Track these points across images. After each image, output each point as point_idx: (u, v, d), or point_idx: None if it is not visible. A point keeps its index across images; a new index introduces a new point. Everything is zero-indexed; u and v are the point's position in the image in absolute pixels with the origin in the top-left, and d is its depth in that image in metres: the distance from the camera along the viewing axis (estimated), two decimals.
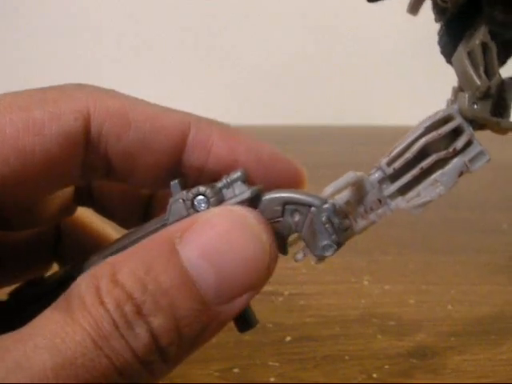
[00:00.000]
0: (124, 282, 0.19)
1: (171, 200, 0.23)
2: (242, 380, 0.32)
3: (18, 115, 0.21)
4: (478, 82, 0.23)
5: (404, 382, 0.32)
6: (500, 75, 0.24)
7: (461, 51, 0.24)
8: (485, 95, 0.23)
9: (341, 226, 0.23)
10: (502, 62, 0.25)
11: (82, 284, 0.20)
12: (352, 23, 0.88)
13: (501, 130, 0.24)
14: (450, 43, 0.25)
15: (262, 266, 0.21)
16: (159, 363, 0.19)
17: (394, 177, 0.24)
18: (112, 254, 0.24)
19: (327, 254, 0.23)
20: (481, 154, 0.24)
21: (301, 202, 0.23)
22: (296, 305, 0.39)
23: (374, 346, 0.35)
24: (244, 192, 0.23)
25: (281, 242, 0.23)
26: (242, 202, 0.23)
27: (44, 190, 0.24)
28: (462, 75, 0.24)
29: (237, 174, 0.23)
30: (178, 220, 0.23)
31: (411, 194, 0.24)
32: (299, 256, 0.24)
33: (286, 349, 0.35)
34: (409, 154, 0.24)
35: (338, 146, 0.81)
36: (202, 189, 0.23)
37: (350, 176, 0.24)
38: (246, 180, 0.23)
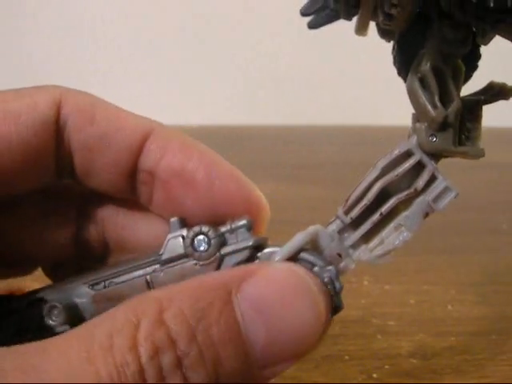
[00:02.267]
0: (170, 326, 0.17)
1: (169, 236, 0.23)
2: None
3: None
4: (433, 113, 0.20)
5: (404, 382, 0.32)
6: (458, 99, 0.21)
7: (412, 78, 0.21)
8: (443, 126, 0.21)
9: (339, 289, 0.22)
10: (467, 77, 0.22)
11: (118, 315, 0.18)
12: (353, 23, 0.88)
13: (471, 157, 0.22)
14: (405, 63, 0.22)
15: (314, 335, 0.20)
16: None
17: (355, 224, 0.22)
18: (100, 281, 0.24)
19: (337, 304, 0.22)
20: (446, 190, 0.21)
21: (305, 259, 0.22)
22: None
23: (373, 346, 0.35)
24: (247, 239, 0.23)
25: None
26: (243, 249, 0.23)
27: (21, 183, 0.24)
28: (415, 105, 0.21)
29: (242, 222, 0.23)
30: (172, 257, 0.23)
31: (375, 241, 0.22)
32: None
33: None
34: (365, 201, 0.22)
35: (338, 147, 0.81)
36: (204, 228, 0.23)
37: (298, 240, 0.22)
38: (251, 229, 0.23)
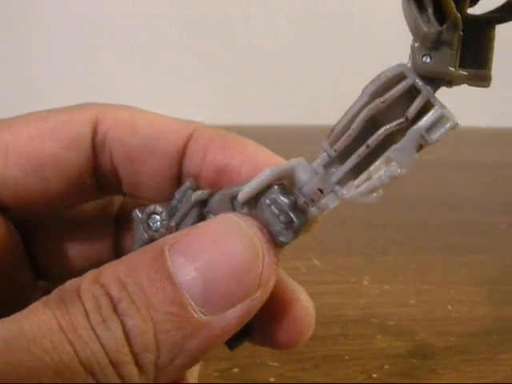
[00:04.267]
0: (103, 281, 0.19)
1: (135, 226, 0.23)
2: (241, 380, 0.32)
3: (33, 124, 0.23)
4: (425, 28, 0.18)
5: (404, 382, 0.32)
6: (457, 13, 0.18)
7: None
8: (437, 44, 0.18)
9: (291, 204, 0.20)
10: None
11: (66, 284, 0.19)
12: (354, 23, 0.88)
13: (472, 83, 0.19)
14: None
15: (254, 273, 0.19)
16: (132, 369, 0.18)
17: (342, 158, 0.20)
18: None
19: (283, 239, 0.20)
20: (443, 118, 0.18)
21: (270, 197, 0.21)
22: None
23: (373, 346, 0.35)
24: (192, 196, 0.22)
25: None
26: (188, 210, 0.22)
27: (61, 200, 0.24)
28: (409, 21, 0.19)
29: (185, 186, 0.23)
30: (141, 246, 0.22)
31: (362, 177, 0.19)
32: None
33: None
34: (350, 132, 0.19)
35: None
36: (151, 207, 0.23)
37: (267, 174, 0.20)
38: (197, 188, 0.23)
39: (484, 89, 0.19)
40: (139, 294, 0.19)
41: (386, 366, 0.33)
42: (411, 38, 0.19)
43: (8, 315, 0.18)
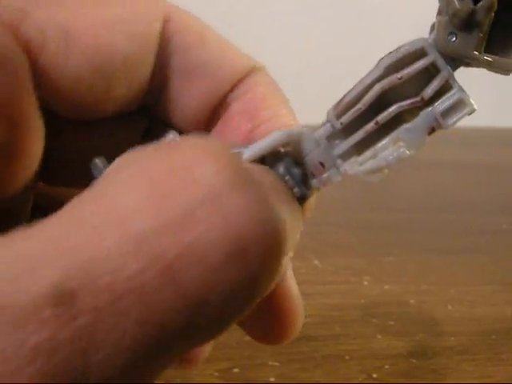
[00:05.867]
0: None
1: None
2: (241, 380, 0.32)
3: (95, 9, 0.19)
4: (457, 5, 0.16)
5: (404, 381, 0.32)
6: None
7: None
8: (467, 24, 0.16)
9: (302, 177, 0.19)
10: None
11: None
12: (355, 22, 0.88)
13: (497, 70, 0.17)
14: None
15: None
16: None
17: (347, 131, 0.19)
18: None
19: None
20: (460, 103, 0.17)
21: (275, 166, 0.19)
22: None
23: (373, 345, 0.35)
24: None
25: None
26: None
27: (118, 107, 0.21)
28: None
29: (168, 136, 0.20)
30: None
31: (367, 153, 0.18)
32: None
33: (286, 349, 0.35)
34: (360, 105, 0.18)
35: None
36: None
37: (275, 137, 0.19)
38: (179, 134, 0.20)
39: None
40: None
41: (386, 366, 0.33)
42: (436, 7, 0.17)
43: None
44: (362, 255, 0.47)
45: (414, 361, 0.34)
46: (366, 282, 0.43)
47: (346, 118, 0.18)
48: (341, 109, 0.18)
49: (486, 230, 0.53)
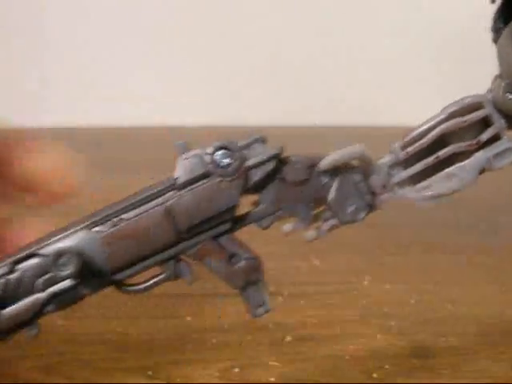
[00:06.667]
0: None
1: (181, 158, 0.22)
2: (242, 380, 0.32)
3: None
4: None
5: (404, 382, 0.32)
6: None
7: (506, 33, 0.21)
8: None
9: (370, 189, 0.22)
10: None
11: None
12: (356, 22, 0.88)
13: None
14: (504, 25, 0.22)
15: None
16: None
17: (406, 163, 0.22)
18: (105, 220, 0.22)
19: (359, 217, 0.22)
20: (508, 151, 0.22)
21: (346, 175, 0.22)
22: (296, 305, 0.39)
23: (373, 346, 0.35)
24: (268, 151, 0.22)
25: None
26: (268, 160, 0.22)
27: None
28: (502, 60, 0.21)
29: (256, 136, 0.22)
30: (192, 178, 0.22)
31: (422, 184, 0.22)
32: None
33: (286, 349, 0.35)
34: (425, 140, 0.22)
35: (337, 147, 0.81)
36: (223, 143, 0.22)
37: (356, 148, 0.22)
38: (266, 142, 0.22)
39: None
40: None
41: (387, 366, 0.33)
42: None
43: None
44: (362, 255, 0.47)
45: (415, 361, 0.34)
46: (366, 282, 0.43)
47: (411, 150, 0.22)
48: (407, 141, 0.22)
49: (486, 230, 0.53)
